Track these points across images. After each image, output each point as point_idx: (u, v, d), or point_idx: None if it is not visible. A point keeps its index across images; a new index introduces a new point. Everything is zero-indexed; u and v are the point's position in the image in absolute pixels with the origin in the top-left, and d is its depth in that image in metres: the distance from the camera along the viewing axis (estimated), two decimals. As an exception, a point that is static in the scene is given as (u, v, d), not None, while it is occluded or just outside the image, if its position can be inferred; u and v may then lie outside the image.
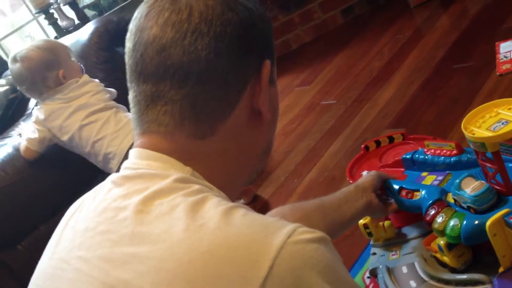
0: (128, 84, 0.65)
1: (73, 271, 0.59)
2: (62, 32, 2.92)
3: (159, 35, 0.60)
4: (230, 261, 0.50)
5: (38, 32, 3.42)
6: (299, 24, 3.01)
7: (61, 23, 2.98)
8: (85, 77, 1.79)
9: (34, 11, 3.08)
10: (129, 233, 0.55)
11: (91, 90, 1.74)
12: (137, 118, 0.65)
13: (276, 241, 0.51)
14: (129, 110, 0.67)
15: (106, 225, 0.59)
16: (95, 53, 2.00)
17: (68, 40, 2.12)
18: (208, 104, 0.62)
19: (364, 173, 1.19)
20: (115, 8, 2.95)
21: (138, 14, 0.64)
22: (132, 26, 0.64)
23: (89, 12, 3.10)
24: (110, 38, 2.00)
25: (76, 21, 3.00)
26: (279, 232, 0.52)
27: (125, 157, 1.68)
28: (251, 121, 0.66)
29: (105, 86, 1.80)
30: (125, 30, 0.66)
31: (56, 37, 2.90)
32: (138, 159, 0.63)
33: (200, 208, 0.55)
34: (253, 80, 0.64)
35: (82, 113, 1.69)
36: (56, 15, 2.98)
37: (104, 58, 1.99)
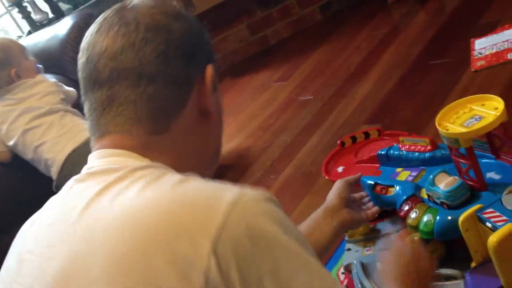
0: (83, 98, 0.69)
1: (38, 259, 0.61)
2: (36, 25, 2.87)
3: (111, 45, 0.66)
4: (188, 213, 0.54)
5: (12, 26, 3.35)
6: (277, 20, 3.00)
7: (35, 16, 2.92)
8: (39, 77, 1.73)
9: (7, 4, 3.02)
10: (88, 212, 0.59)
11: (40, 92, 1.69)
12: (94, 125, 0.68)
13: (230, 194, 0.55)
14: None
15: (66, 215, 0.61)
16: (74, 48, 1.96)
17: (45, 35, 2.08)
18: (161, 103, 0.67)
19: (339, 169, 1.19)
20: (91, 1, 2.90)
21: (88, 33, 0.69)
22: (83, 44, 0.69)
23: (63, 6, 3.05)
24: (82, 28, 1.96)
25: (50, 15, 2.94)
26: (231, 189, 0.57)
27: (64, 164, 1.64)
28: (200, 121, 0.71)
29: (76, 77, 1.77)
30: None
31: (29, 32, 2.84)
32: (99, 159, 0.66)
33: (158, 179, 0.59)
34: (199, 82, 0.70)
35: (27, 117, 1.64)
36: (29, 9, 2.93)
37: (76, 49, 1.96)
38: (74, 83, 2.02)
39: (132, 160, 0.64)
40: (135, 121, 0.66)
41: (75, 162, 1.59)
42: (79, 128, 1.67)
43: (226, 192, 0.56)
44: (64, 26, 2.03)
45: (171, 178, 0.60)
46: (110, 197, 0.58)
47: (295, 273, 0.55)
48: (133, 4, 0.69)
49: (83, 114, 0.69)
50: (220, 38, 3.06)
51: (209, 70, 0.71)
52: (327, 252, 1.05)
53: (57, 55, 1.78)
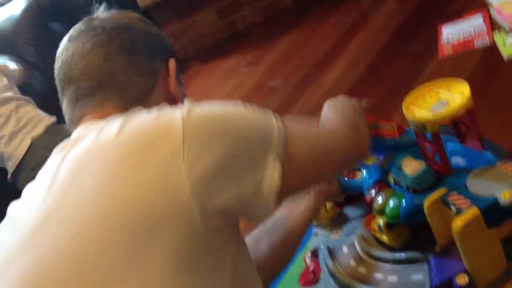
0: (61, 98, 0.78)
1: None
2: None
3: (81, 46, 0.76)
4: (154, 132, 0.62)
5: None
6: (246, 5, 2.97)
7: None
8: None
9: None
10: (70, 153, 0.65)
11: None
12: (71, 115, 0.76)
13: (180, 111, 0.64)
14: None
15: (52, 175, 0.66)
16: (28, 29, 1.91)
17: (-2, 17, 2.02)
18: (129, 89, 0.76)
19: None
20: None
21: (61, 43, 0.79)
22: (58, 53, 0.78)
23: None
24: (44, 14, 1.92)
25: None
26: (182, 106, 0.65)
27: (24, 157, 1.62)
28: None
29: (38, 63, 1.71)
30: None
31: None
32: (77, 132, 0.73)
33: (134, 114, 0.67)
34: (163, 73, 0.80)
35: None
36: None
37: (37, 34, 1.90)
38: (28, 65, 1.95)
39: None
40: (106, 102, 0.74)
41: (35, 153, 1.57)
42: (36, 119, 1.65)
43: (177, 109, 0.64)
44: (17, 7, 1.97)
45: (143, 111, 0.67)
46: (91, 137, 0.65)
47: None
48: (98, 15, 0.81)
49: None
50: (188, 23, 3.02)
51: (172, 62, 0.82)
52: (309, 226, 1.02)
53: (11, 37, 1.73)
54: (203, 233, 0.59)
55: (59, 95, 0.78)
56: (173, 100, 0.79)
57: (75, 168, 0.63)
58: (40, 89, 1.96)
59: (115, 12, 0.82)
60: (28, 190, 0.70)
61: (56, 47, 0.80)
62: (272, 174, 0.64)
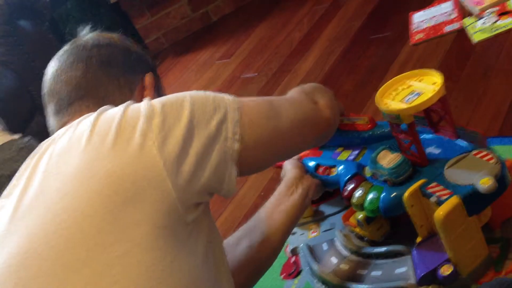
0: (46, 113, 0.83)
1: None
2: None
3: (63, 62, 0.83)
4: (125, 119, 0.67)
5: None
6: (218, -5, 2.94)
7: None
8: None
9: None
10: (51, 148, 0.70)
11: None
12: (53, 126, 0.81)
13: (143, 102, 0.70)
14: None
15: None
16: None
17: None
18: (109, 100, 0.80)
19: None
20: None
21: (51, 61, 0.85)
22: (46, 70, 0.85)
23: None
24: (11, 11, 1.86)
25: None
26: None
27: None
28: None
29: (7, 61, 1.67)
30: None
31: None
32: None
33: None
34: (140, 86, 0.86)
35: None
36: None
37: (5, 32, 1.85)
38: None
39: None
40: (84, 108, 0.79)
41: None
42: None
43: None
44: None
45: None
46: (69, 132, 0.69)
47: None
48: (83, 35, 0.88)
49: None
50: (162, 15, 2.98)
51: (149, 76, 0.87)
52: (294, 226, 0.99)
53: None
54: (180, 208, 0.63)
55: (45, 112, 0.83)
56: None
57: (57, 155, 0.67)
58: (9, 87, 1.92)
59: (98, 33, 0.89)
60: (10, 186, 0.71)
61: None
62: (232, 144, 0.70)
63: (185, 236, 0.65)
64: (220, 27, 2.89)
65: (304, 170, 1.05)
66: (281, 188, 1.00)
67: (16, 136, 1.64)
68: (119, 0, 2.86)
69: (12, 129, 1.60)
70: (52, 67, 0.84)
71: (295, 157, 1.10)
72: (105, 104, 0.75)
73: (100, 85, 0.81)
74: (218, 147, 0.69)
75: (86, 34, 0.89)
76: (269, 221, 0.93)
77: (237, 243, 0.91)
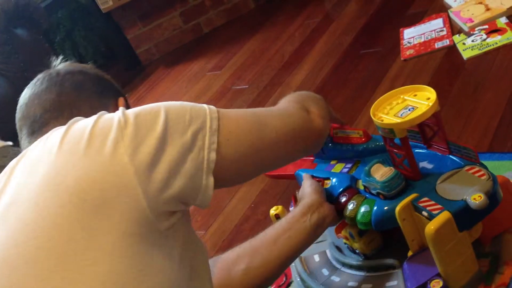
0: (20, 137, 0.83)
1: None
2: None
3: (37, 88, 0.84)
4: (97, 128, 0.67)
5: None
6: (210, 8, 2.95)
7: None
8: None
9: None
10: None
11: None
12: (31, 142, 0.77)
13: (117, 112, 0.70)
14: None
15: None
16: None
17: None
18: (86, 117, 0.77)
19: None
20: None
21: (23, 92, 0.86)
22: (19, 100, 0.85)
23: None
24: (8, 19, 1.85)
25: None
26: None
27: None
28: None
29: (2, 69, 1.66)
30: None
31: None
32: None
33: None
34: (113, 108, 0.82)
35: None
36: None
37: (0, 41, 1.85)
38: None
39: None
40: (59, 126, 0.74)
41: None
42: None
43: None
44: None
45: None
46: (40, 143, 0.69)
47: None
48: (55, 65, 0.89)
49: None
50: (153, 26, 2.98)
51: (121, 100, 0.88)
52: (302, 252, 0.94)
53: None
54: (150, 216, 0.63)
55: (19, 137, 0.83)
56: None
57: (30, 165, 0.67)
58: (3, 96, 1.91)
59: (71, 63, 0.90)
60: None
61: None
62: (208, 154, 0.69)
63: (159, 244, 0.64)
64: (212, 39, 2.90)
65: (325, 196, 0.97)
66: (295, 212, 0.93)
67: (10, 143, 1.64)
68: (111, 10, 2.86)
69: (4, 138, 1.59)
70: (25, 94, 0.85)
71: (316, 180, 1.03)
72: None
73: (74, 106, 0.81)
74: (192, 156, 0.68)
75: (58, 65, 0.90)
76: (272, 247, 0.88)
77: (235, 263, 0.89)
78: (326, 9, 2.50)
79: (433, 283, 0.84)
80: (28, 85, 0.86)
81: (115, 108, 0.81)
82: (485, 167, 0.88)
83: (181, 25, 2.99)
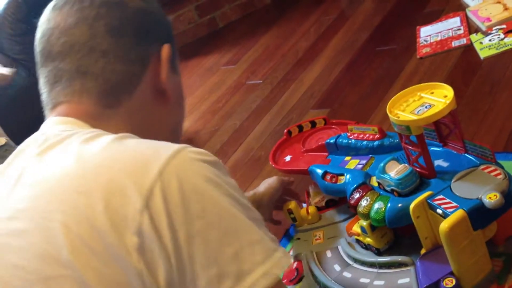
0: (38, 72, 0.70)
1: None
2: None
3: (64, 19, 0.67)
4: (121, 170, 0.55)
5: None
6: (226, 2, 2.95)
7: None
8: None
9: None
10: (24, 173, 0.60)
11: None
12: (47, 97, 0.69)
13: (165, 152, 0.56)
14: None
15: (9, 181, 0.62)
16: (11, 25, 1.86)
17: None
18: (112, 78, 0.67)
19: (287, 158, 1.17)
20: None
21: (45, 10, 0.70)
22: (40, 21, 0.71)
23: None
24: (29, 9, 1.86)
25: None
26: (170, 147, 0.57)
27: None
28: (156, 100, 0.71)
29: (24, 59, 1.66)
30: (43, 0, 0.71)
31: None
32: (49, 127, 0.66)
33: (94, 139, 0.60)
34: (155, 60, 0.70)
35: None
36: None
37: (21, 30, 1.86)
38: (12, 61, 1.91)
39: (81, 128, 0.64)
40: (84, 92, 0.66)
41: None
42: None
43: (164, 149, 0.56)
44: (0, 2, 1.92)
45: (108, 136, 0.60)
46: (50, 158, 0.60)
47: (225, 239, 0.53)
48: None
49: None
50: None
51: (165, 49, 0.71)
52: None
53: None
54: None
55: (37, 67, 0.70)
56: (162, 93, 0.71)
57: (34, 194, 0.58)
58: (24, 86, 1.92)
59: None
60: None
61: None
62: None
63: None
64: (227, 33, 2.90)
65: (275, 196, 1.14)
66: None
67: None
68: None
69: (24, 127, 1.61)
70: (48, 20, 0.69)
71: (283, 179, 1.18)
72: (110, 88, 0.66)
73: (105, 59, 0.67)
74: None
75: None
76: None
77: None
78: (342, 6, 2.49)
79: (446, 281, 0.83)
80: (54, 4, 0.70)
81: (155, 66, 0.70)
82: (501, 167, 0.88)
83: (196, 19, 2.99)
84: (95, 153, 0.58)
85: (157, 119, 0.73)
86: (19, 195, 0.59)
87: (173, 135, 0.76)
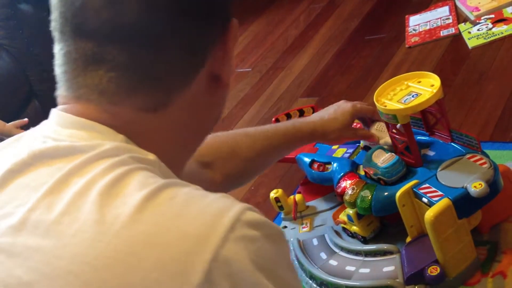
0: (57, 34, 0.52)
1: None
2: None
3: None
4: (156, 266, 0.41)
5: None
6: (214, -11, 2.93)
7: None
8: None
9: None
10: (35, 220, 0.45)
11: None
12: (71, 79, 0.52)
13: (214, 237, 0.42)
14: None
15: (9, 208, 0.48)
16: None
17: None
18: (167, 73, 0.52)
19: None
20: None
21: None
22: None
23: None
24: (13, -7, 1.84)
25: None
26: (219, 223, 0.43)
27: None
28: (209, 88, 0.57)
29: (8, 45, 1.65)
30: None
31: None
32: (60, 127, 0.52)
33: (118, 191, 0.45)
34: (217, 46, 0.55)
35: None
36: None
37: (4, 15, 1.83)
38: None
39: (100, 136, 0.50)
40: (126, 93, 0.51)
41: None
42: None
43: (213, 229, 0.42)
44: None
45: (136, 193, 0.45)
46: (68, 209, 0.45)
47: None
48: None
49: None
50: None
51: (234, 26, 0.56)
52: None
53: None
54: None
55: (57, 28, 0.52)
56: (216, 81, 0.57)
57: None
58: (7, 72, 1.90)
59: None
60: None
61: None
62: None
63: None
64: (216, 20, 2.88)
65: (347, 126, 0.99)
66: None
67: None
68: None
69: (7, 113, 1.59)
70: None
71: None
72: (162, 91, 0.52)
73: (153, 53, 0.50)
74: None
75: None
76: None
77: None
78: (332, -7, 2.49)
79: (430, 269, 0.84)
80: None
81: (221, 48, 0.55)
82: (487, 156, 0.88)
83: (185, 6, 2.97)
84: (122, 228, 0.43)
85: (206, 110, 0.59)
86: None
87: (215, 121, 0.63)
